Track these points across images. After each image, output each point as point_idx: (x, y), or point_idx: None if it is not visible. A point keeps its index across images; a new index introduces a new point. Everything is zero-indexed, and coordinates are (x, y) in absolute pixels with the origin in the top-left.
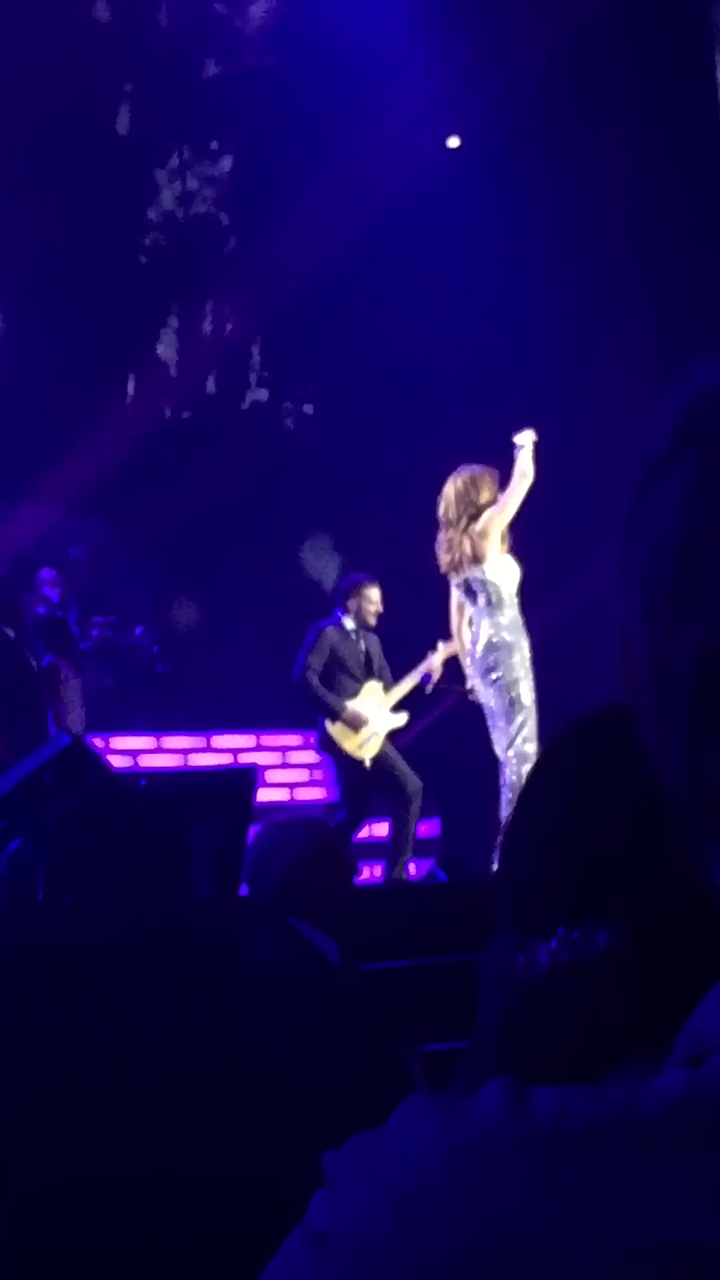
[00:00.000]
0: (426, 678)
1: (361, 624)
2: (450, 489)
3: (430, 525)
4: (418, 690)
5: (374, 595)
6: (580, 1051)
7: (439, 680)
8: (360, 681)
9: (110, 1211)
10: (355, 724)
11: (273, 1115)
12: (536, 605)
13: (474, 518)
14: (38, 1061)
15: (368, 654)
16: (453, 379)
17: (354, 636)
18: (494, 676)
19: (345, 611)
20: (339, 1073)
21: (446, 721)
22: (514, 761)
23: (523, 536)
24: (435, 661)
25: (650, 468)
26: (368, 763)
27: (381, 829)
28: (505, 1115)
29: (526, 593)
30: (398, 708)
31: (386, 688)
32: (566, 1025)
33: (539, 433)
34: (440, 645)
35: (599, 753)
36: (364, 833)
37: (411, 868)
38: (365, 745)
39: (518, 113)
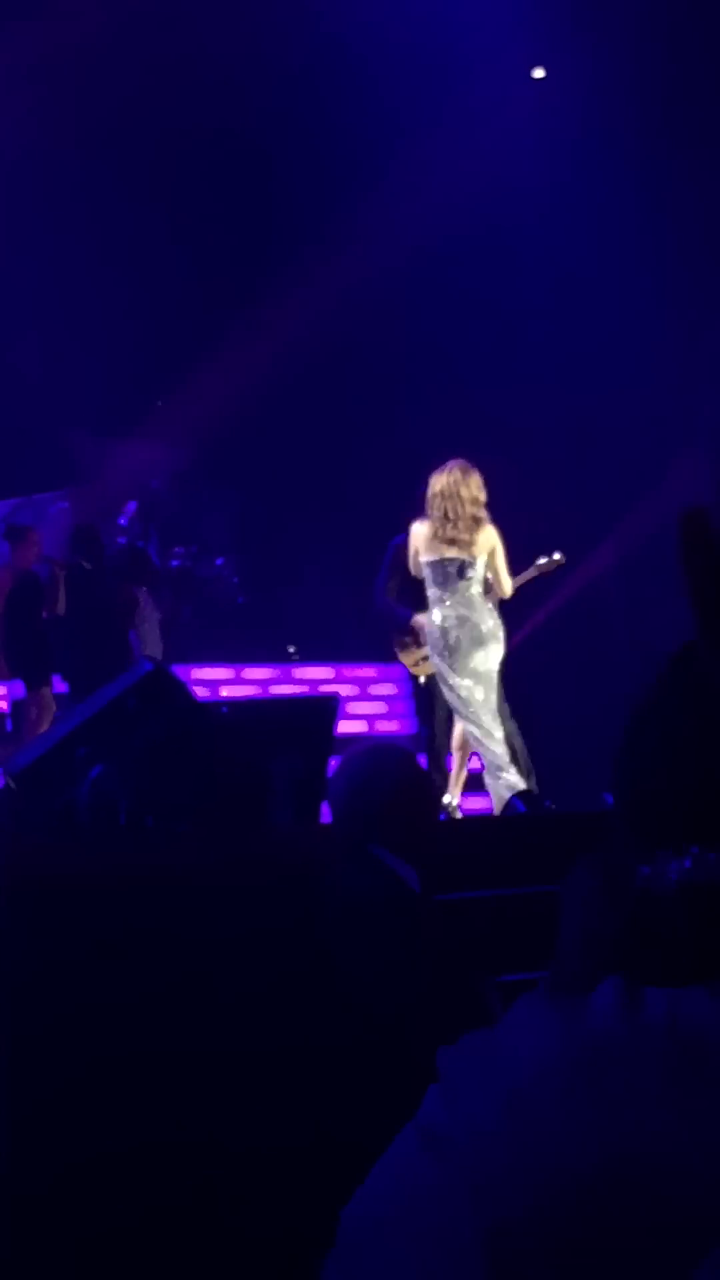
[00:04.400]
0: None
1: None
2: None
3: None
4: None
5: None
6: (693, 974)
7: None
8: None
9: (193, 1133)
10: (417, 636)
11: (353, 1039)
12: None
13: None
14: (119, 986)
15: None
16: (538, 332)
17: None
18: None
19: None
20: (419, 999)
21: (522, 657)
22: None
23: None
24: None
25: None
26: (421, 680)
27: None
28: (620, 1016)
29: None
30: None
31: None
32: (685, 945)
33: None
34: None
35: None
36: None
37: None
38: (419, 664)
39: (605, 43)
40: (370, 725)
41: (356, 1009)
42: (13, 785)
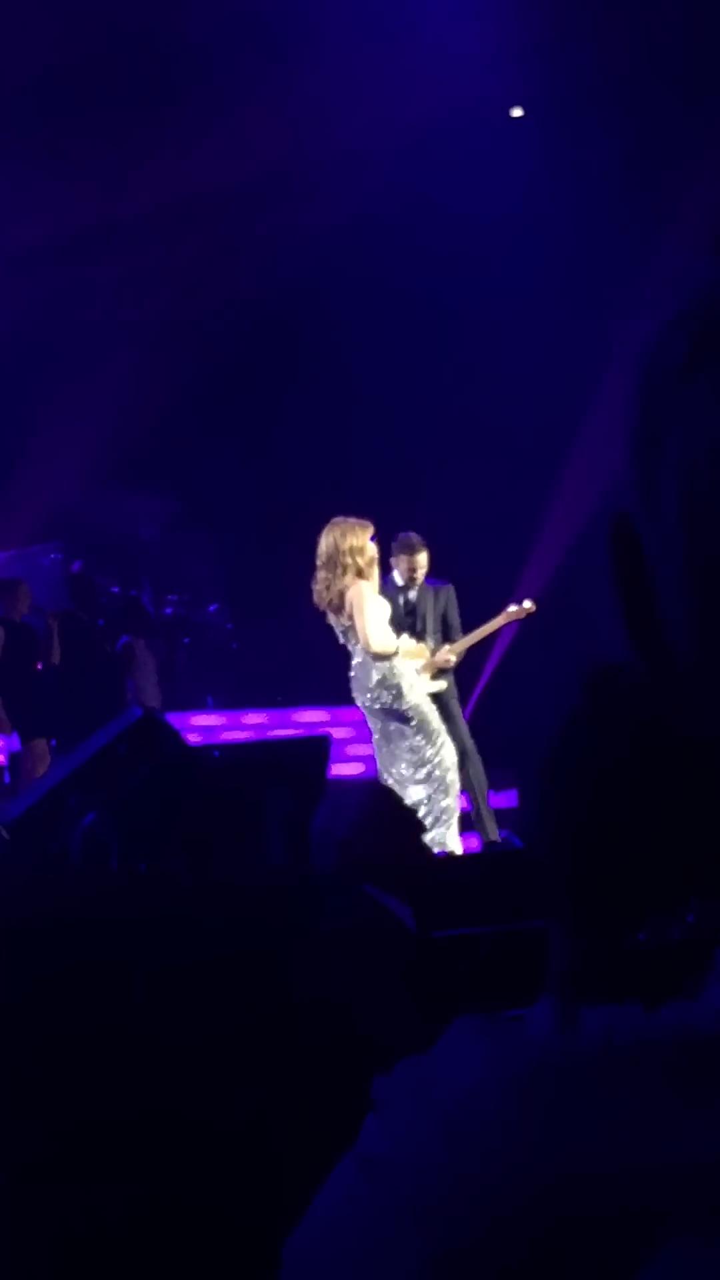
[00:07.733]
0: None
1: (408, 580)
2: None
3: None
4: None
5: (405, 557)
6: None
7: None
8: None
9: (182, 1172)
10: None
11: (349, 1081)
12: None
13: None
14: (113, 1031)
15: (413, 609)
16: (512, 350)
17: (399, 592)
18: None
19: (394, 568)
20: (416, 1039)
21: (518, 690)
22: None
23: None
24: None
25: (665, 377)
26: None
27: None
28: (555, 1037)
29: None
30: (439, 674)
31: (434, 647)
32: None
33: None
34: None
35: (624, 729)
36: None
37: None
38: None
39: (580, 81)
40: (367, 767)
41: (349, 1049)
42: (4, 835)
